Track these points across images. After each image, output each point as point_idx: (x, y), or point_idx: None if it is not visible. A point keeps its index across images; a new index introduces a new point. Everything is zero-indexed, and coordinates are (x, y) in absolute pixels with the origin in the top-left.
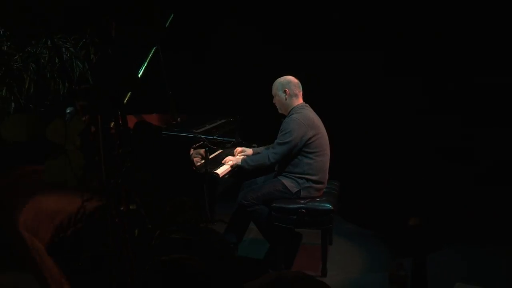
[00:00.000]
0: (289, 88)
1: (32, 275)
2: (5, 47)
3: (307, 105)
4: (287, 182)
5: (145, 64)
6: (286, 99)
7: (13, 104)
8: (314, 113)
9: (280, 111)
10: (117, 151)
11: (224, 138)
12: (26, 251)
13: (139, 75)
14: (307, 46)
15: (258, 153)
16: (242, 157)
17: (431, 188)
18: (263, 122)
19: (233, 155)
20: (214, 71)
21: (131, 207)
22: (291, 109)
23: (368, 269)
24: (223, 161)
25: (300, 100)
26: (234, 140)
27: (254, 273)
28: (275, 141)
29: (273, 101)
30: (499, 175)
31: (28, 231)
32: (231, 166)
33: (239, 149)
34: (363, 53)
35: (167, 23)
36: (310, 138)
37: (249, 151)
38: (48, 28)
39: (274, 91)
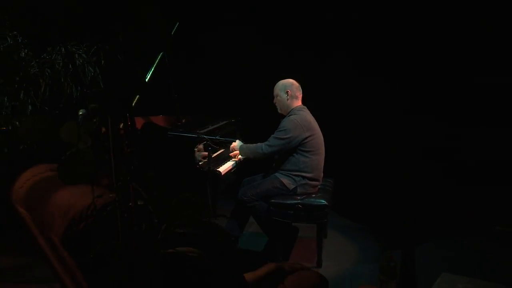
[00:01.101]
0: (291, 90)
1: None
2: (23, 53)
3: (305, 107)
4: (284, 179)
5: (152, 69)
6: (287, 100)
7: (30, 107)
8: (311, 115)
9: (279, 111)
10: (125, 150)
11: (226, 138)
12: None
13: (147, 79)
14: (305, 47)
15: None
16: (240, 144)
17: (419, 185)
18: (262, 123)
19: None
20: (215, 73)
21: (138, 203)
22: (291, 110)
23: (360, 260)
24: (230, 147)
25: (299, 102)
26: (235, 140)
27: (253, 264)
28: (271, 135)
29: (274, 101)
30: (484, 174)
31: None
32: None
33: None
34: (360, 54)
35: (173, 31)
36: (305, 138)
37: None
38: (48, 28)
39: (276, 91)
